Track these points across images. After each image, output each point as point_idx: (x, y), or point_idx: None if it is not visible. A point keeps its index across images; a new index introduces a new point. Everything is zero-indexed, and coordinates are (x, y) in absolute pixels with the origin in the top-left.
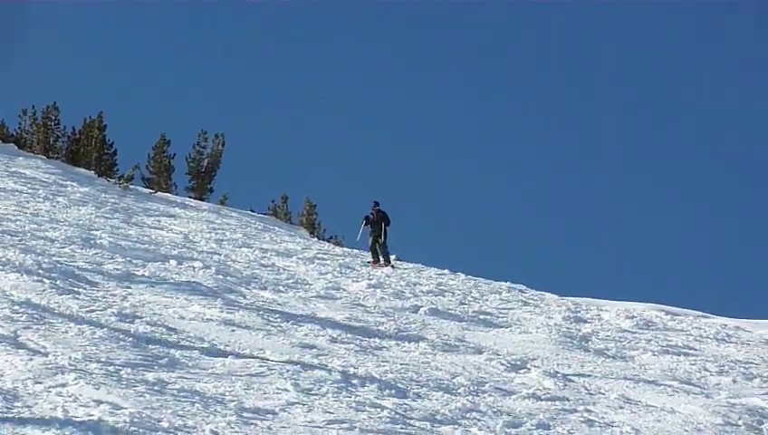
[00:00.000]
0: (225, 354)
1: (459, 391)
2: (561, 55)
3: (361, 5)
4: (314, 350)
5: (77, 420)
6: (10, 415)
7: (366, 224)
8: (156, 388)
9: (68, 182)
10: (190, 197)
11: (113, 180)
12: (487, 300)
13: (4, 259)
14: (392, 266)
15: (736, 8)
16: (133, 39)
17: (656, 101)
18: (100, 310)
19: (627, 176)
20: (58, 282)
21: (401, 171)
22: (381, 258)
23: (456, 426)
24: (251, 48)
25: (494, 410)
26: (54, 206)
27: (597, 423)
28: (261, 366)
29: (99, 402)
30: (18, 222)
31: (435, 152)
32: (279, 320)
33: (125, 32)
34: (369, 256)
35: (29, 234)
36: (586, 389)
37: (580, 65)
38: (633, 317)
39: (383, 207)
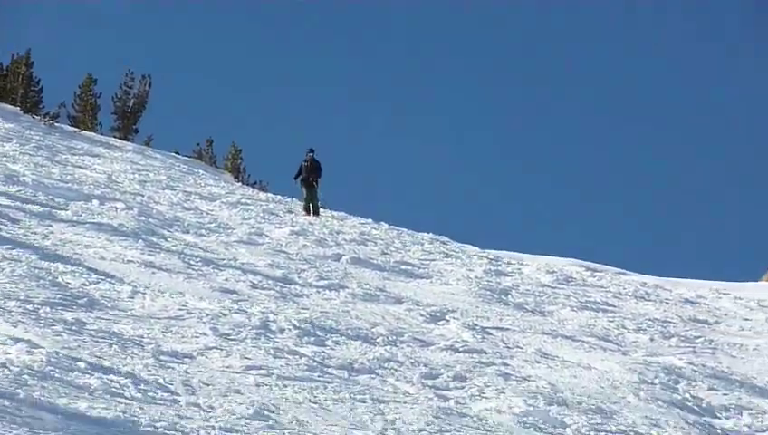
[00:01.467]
0: (144, 297)
1: (378, 340)
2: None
3: None
4: (234, 295)
5: None
6: None
7: (299, 173)
8: (74, 328)
9: None
10: (115, 137)
11: (38, 117)
12: (409, 251)
13: None
14: (318, 216)
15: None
16: None
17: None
18: (21, 248)
19: (552, 132)
20: None
21: (330, 124)
22: (312, 209)
23: (374, 375)
24: None
25: (412, 360)
26: None
27: (513, 377)
28: (180, 309)
29: (16, 340)
30: None
31: (367, 106)
32: (200, 264)
33: None
34: (300, 206)
35: None
36: (504, 342)
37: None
38: (553, 272)
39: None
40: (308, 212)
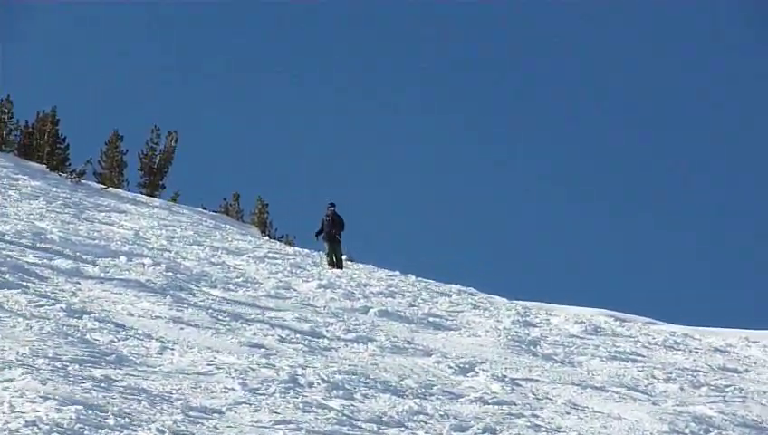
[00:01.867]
0: (173, 352)
1: (407, 393)
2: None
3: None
4: (263, 349)
5: (23, 414)
6: None
7: (322, 229)
8: (102, 385)
9: (19, 176)
10: (142, 193)
11: (65, 175)
12: (437, 302)
13: None
14: (342, 268)
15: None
16: (87, 34)
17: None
18: (49, 305)
19: (579, 182)
20: (7, 276)
21: (354, 172)
22: (336, 264)
23: (403, 429)
24: (206, 46)
25: (442, 413)
26: (6, 199)
27: (543, 428)
28: (209, 365)
29: (45, 398)
30: None
31: (386, 153)
32: (228, 319)
33: (80, 27)
34: (325, 260)
35: None
36: (533, 393)
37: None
38: (582, 322)
39: (339, 210)
40: (332, 266)
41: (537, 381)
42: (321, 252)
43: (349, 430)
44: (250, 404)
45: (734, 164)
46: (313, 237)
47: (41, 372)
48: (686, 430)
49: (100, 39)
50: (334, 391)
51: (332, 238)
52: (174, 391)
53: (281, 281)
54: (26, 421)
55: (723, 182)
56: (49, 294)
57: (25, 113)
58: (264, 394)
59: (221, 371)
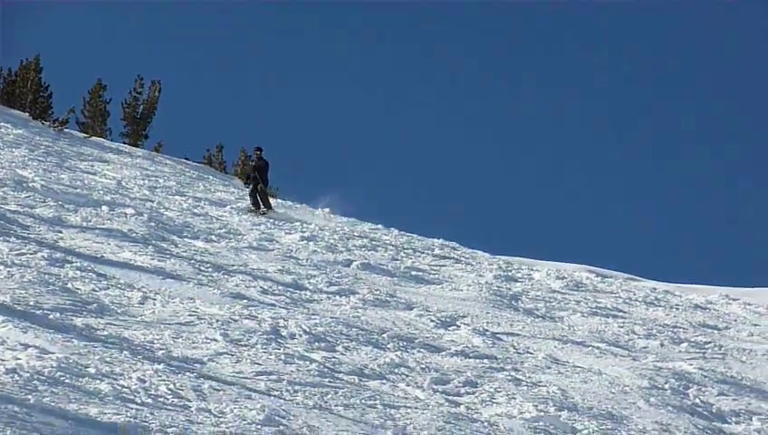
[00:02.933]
0: (154, 302)
1: (388, 346)
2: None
3: None
4: (245, 301)
5: (3, 362)
6: None
7: (250, 172)
8: (84, 333)
9: (1, 124)
10: (125, 143)
11: (48, 123)
12: (420, 256)
13: None
14: (271, 209)
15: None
16: None
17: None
18: (30, 253)
19: (561, 138)
20: None
21: (339, 126)
22: (262, 204)
23: (384, 381)
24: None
25: (423, 366)
26: None
27: (524, 382)
28: (190, 315)
29: (26, 346)
30: None
31: (373, 107)
32: (210, 270)
33: None
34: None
35: None
36: (514, 348)
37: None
38: (563, 278)
39: (265, 156)
40: (257, 207)
41: (518, 335)
42: (304, 204)
43: (330, 381)
44: (231, 355)
45: (715, 117)
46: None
47: (22, 320)
48: (666, 386)
49: None
50: (316, 343)
51: (259, 181)
52: (155, 341)
53: (263, 233)
54: (6, 369)
55: (705, 136)
56: (31, 242)
57: (8, 61)
58: (245, 345)
59: (203, 321)
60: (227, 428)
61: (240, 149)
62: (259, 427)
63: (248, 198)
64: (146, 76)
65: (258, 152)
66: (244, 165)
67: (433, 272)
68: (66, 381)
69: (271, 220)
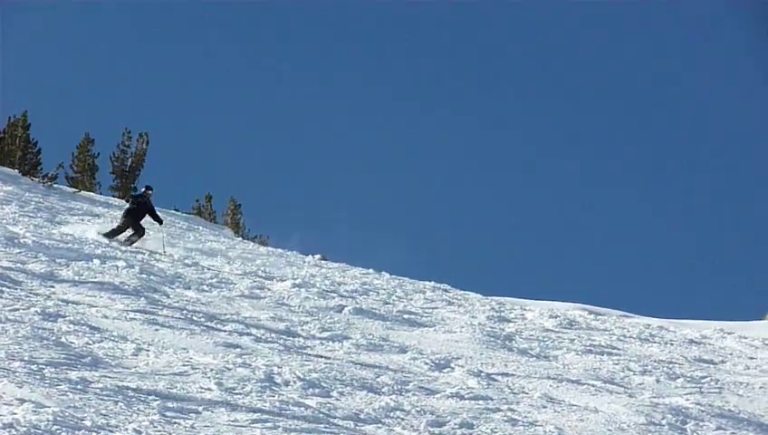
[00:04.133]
0: (148, 353)
1: (383, 390)
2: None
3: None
4: (238, 349)
5: (0, 417)
6: None
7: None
8: (79, 386)
9: None
10: (114, 196)
11: (37, 179)
12: (411, 299)
13: None
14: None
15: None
16: (57, 37)
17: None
18: (24, 309)
19: (550, 176)
20: None
21: (325, 172)
22: (134, 234)
23: (380, 425)
24: (175, 47)
25: (418, 409)
26: None
27: (520, 422)
28: (184, 365)
29: (22, 401)
30: None
31: (359, 153)
32: (203, 319)
33: (49, 30)
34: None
35: None
36: (509, 388)
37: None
38: (556, 317)
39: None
40: (110, 237)
41: (513, 375)
42: (294, 251)
43: (326, 427)
44: (227, 404)
45: (706, 157)
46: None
47: (17, 375)
48: (663, 422)
49: (70, 42)
50: (310, 389)
51: (137, 217)
52: (150, 392)
53: (255, 281)
54: (3, 424)
55: (695, 176)
56: (23, 297)
57: None
58: (240, 393)
59: (197, 371)
60: None
61: (229, 199)
62: None
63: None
64: (133, 128)
65: (150, 192)
66: (233, 214)
67: (425, 314)
68: (63, 434)
69: (261, 269)
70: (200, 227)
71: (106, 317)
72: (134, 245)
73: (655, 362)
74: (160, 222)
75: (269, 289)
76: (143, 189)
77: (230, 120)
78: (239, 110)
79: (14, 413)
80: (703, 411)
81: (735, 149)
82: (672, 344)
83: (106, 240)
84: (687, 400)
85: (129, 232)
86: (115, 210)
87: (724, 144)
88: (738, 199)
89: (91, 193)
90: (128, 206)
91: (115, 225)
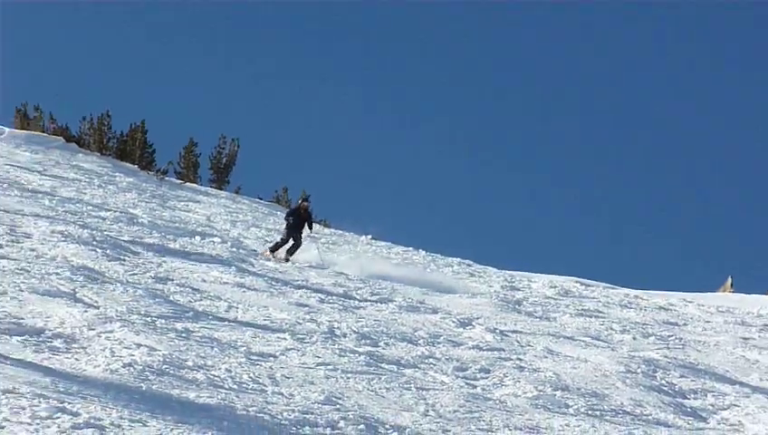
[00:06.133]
0: (237, 310)
1: (419, 342)
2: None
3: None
4: (306, 308)
5: (121, 358)
6: (69, 354)
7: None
8: (183, 335)
9: (117, 174)
10: (212, 187)
11: (152, 173)
12: (442, 272)
13: (66, 233)
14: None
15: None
16: (171, 54)
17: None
18: (141, 273)
19: (549, 166)
20: (108, 251)
21: (380, 162)
22: (293, 246)
23: (417, 369)
24: (262, 59)
25: (447, 357)
26: (106, 192)
27: (526, 369)
28: (264, 320)
29: (138, 346)
30: (78, 204)
31: (408, 146)
32: (279, 285)
33: (169, 50)
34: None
35: (86, 213)
36: (518, 342)
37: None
38: (555, 287)
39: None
40: (275, 251)
41: (521, 332)
42: (351, 232)
43: (375, 369)
44: (297, 350)
45: (681, 143)
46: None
47: (135, 325)
48: (638, 371)
49: (171, 59)
50: (363, 341)
51: (298, 229)
52: (238, 340)
53: (321, 256)
54: (124, 363)
55: (670, 166)
56: (140, 264)
57: (121, 125)
58: (308, 342)
59: (275, 324)
60: (296, 407)
61: (301, 190)
62: (320, 406)
63: (281, 243)
64: (228, 134)
65: (306, 203)
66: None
67: (453, 284)
68: (170, 372)
69: (325, 245)
70: (278, 213)
71: (204, 281)
72: (292, 256)
73: (632, 323)
74: (311, 228)
75: (331, 262)
76: (299, 201)
77: (305, 124)
78: (310, 115)
79: (133, 355)
80: (669, 363)
81: (704, 134)
82: (645, 310)
83: (271, 256)
84: (657, 353)
85: (289, 243)
86: (212, 198)
87: (700, 126)
88: (704, 190)
89: (194, 184)
90: (288, 222)
91: (279, 238)
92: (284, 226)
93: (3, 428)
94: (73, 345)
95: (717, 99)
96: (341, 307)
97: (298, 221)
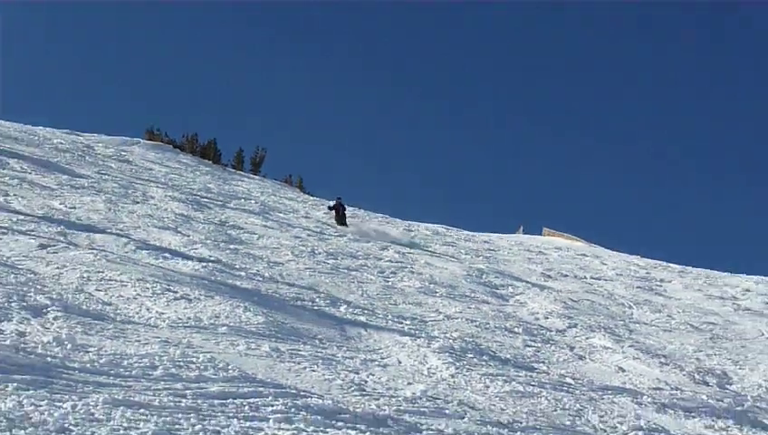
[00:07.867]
0: (266, 239)
1: (359, 256)
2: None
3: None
4: (300, 239)
5: (200, 262)
6: (173, 261)
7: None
8: (233, 251)
9: (200, 166)
10: (251, 174)
11: (219, 165)
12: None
13: (172, 196)
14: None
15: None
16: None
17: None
18: (212, 218)
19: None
20: (194, 205)
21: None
22: (338, 220)
23: (357, 271)
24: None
25: (374, 266)
26: (193, 174)
27: (415, 273)
28: (277, 245)
29: (210, 257)
30: (178, 180)
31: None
32: (286, 226)
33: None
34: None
35: (183, 186)
36: (411, 259)
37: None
38: (430, 230)
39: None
40: (342, 224)
41: (412, 253)
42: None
43: (335, 271)
44: (294, 261)
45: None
46: (327, 209)
47: (207, 245)
48: (473, 274)
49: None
50: (329, 257)
51: (342, 216)
52: (263, 255)
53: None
54: (202, 265)
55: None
56: (210, 215)
57: (203, 138)
58: (300, 257)
59: (283, 247)
60: (292, 291)
61: (306, 179)
62: (306, 290)
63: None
64: (257, 139)
65: (339, 199)
66: (338, 199)
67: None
68: (226, 271)
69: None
70: (285, 189)
71: (247, 223)
72: (339, 227)
73: (470, 250)
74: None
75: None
76: (337, 199)
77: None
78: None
79: (207, 261)
80: (489, 270)
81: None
82: (477, 242)
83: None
84: (483, 265)
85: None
86: (250, 180)
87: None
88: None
89: (241, 172)
90: (332, 211)
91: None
92: (332, 212)
93: (136, 299)
94: (176, 256)
95: None
96: (318, 239)
97: (340, 211)
